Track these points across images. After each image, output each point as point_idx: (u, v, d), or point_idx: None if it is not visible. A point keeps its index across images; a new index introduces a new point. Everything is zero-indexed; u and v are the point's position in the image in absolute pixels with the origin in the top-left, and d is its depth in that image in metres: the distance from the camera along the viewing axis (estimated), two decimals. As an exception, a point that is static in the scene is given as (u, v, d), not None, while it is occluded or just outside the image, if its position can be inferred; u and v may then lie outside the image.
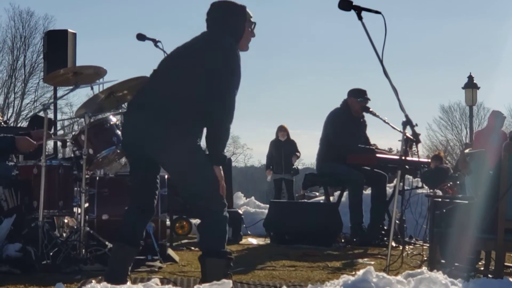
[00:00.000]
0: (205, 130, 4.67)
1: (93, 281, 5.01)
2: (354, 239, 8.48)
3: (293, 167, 14.84)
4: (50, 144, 9.77)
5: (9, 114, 36.93)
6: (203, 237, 4.75)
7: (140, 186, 4.82)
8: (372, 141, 9.36)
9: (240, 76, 4.62)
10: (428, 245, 6.21)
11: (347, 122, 8.83)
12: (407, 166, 6.83)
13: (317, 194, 18.22)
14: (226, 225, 4.65)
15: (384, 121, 8.44)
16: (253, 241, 8.88)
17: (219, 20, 4.75)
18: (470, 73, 22.64)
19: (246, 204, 11.72)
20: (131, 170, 4.88)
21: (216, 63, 4.56)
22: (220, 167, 4.61)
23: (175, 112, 4.57)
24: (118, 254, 4.78)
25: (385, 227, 8.67)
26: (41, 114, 6.79)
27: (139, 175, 4.80)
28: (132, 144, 4.74)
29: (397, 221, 7.59)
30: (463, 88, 22.80)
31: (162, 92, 4.66)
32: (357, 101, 8.85)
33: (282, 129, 14.61)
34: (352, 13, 4.97)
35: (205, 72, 4.56)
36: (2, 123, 7.57)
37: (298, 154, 14.85)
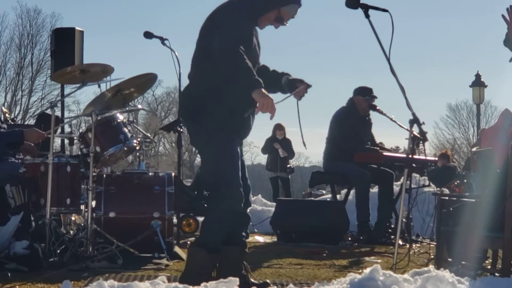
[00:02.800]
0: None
1: (100, 278, 5.04)
2: (361, 237, 8.48)
3: (288, 165, 14.89)
4: (57, 141, 9.80)
5: (17, 112, 37.04)
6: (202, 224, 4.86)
7: None
8: (379, 139, 9.35)
9: (237, 23, 4.58)
10: (435, 243, 6.19)
11: (353, 121, 8.82)
12: (414, 165, 6.81)
13: (324, 192, 18.20)
14: (222, 218, 4.63)
15: (391, 119, 8.43)
16: (260, 239, 8.87)
17: None
18: (478, 71, 22.62)
19: (253, 202, 11.70)
20: None
21: (212, 26, 4.65)
22: (261, 89, 4.40)
23: (186, 105, 4.79)
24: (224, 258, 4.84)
25: (392, 226, 8.66)
26: (48, 111, 6.79)
27: None
28: None
29: (404, 220, 7.57)
30: (470, 86, 22.76)
31: (184, 90, 4.90)
32: (363, 99, 8.84)
33: (280, 128, 14.61)
34: (359, 11, 4.96)
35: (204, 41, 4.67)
36: (10, 121, 7.57)
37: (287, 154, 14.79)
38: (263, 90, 4.40)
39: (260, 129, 4.86)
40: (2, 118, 6.98)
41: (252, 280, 4.86)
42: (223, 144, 4.59)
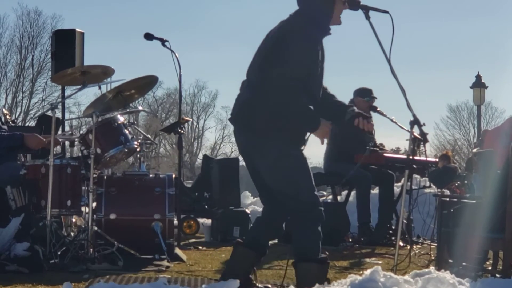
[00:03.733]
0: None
1: (101, 280, 5.05)
2: (362, 239, 8.47)
3: None
4: (58, 143, 9.79)
5: (17, 113, 37.07)
6: (294, 240, 4.67)
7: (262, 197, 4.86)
8: (379, 141, 9.33)
9: (306, 59, 4.51)
10: (435, 244, 6.20)
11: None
12: (414, 166, 6.81)
13: (325, 193, 18.19)
14: (318, 227, 4.58)
15: (392, 120, 8.41)
16: (261, 240, 8.86)
17: (303, 3, 4.68)
18: (478, 72, 22.62)
19: (253, 203, 11.72)
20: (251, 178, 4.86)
21: (269, 47, 4.53)
22: (325, 123, 4.54)
23: (253, 115, 4.55)
24: (239, 256, 4.82)
25: (393, 227, 8.66)
26: (49, 113, 6.80)
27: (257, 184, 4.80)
28: (241, 153, 4.79)
29: (404, 221, 7.57)
30: (471, 87, 22.75)
31: (242, 99, 4.67)
32: (363, 100, 8.82)
33: None
34: (360, 12, 4.95)
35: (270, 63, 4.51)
36: (10, 122, 7.58)
37: None
38: (321, 126, 4.52)
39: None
40: (3, 120, 6.98)
41: (257, 284, 4.90)
42: (296, 155, 4.56)
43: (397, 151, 22.46)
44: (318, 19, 4.62)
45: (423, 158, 7.37)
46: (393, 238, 8.37)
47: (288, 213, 4.69)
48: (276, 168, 4.52)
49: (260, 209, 11.01)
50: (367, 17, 4.92)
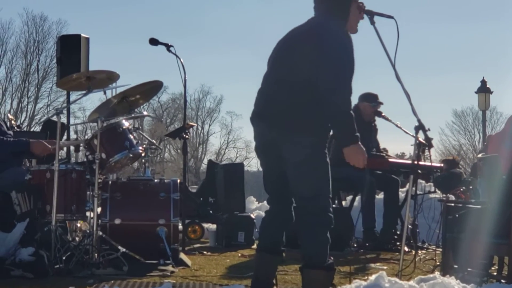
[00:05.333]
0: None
1: (106, 285, 5.05)
2: (367, 244, 8.46)
3: None
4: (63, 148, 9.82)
5: (23, 119, 37.15)
6: (302, 244, 4.66)
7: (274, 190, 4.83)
8: (384, 145, 9.32)
9: (351, 58, 4.51)
10: (441, 250, 6.18)
11: (358, 128, 8.77)
12: (419, 171, 6.77)
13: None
14: (327, 233, 4.56)
15: (397, 125, 8.42)
16: (265, 245, 8.84)
17: (323, 6, 4.65)
18: (483, 77, 22.61)
19: (258, 208, 11.70)
20: (264, 175, 4.83)
21: (322, 51, 4.44)
22: (355, 146, 4.55)
23: (289, 115, 4.50)
24: (261, 262, 4.85)
25: (398, 232, 8.65)
26: (54, 118, 6.80)
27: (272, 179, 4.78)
28: (262, 148, 4.72)
29: (409, 226, 7.55)
30: (476, 92, 22.74)
31: (273, 96, 4.60)
32: (369, 105, 8.82)
33: None
34: (365, 17, 4.96)
35: (313, 62, 4.43)
36: (15, 128, 7.59)
37: None
38: (356, 146, 4.55)
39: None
40: (8, 125, 6.99)
41: None
42: (325, 159, 4.57)
43: (402, 156, 22.44)
44: (337, 16, 4.59)
45: (428, 163, 7.36)
46: (398, 243, 8.36)
47: (298, 215, 4.67)
48: (305, 165, 4.51)
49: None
50: (372, 22, 4.93)
